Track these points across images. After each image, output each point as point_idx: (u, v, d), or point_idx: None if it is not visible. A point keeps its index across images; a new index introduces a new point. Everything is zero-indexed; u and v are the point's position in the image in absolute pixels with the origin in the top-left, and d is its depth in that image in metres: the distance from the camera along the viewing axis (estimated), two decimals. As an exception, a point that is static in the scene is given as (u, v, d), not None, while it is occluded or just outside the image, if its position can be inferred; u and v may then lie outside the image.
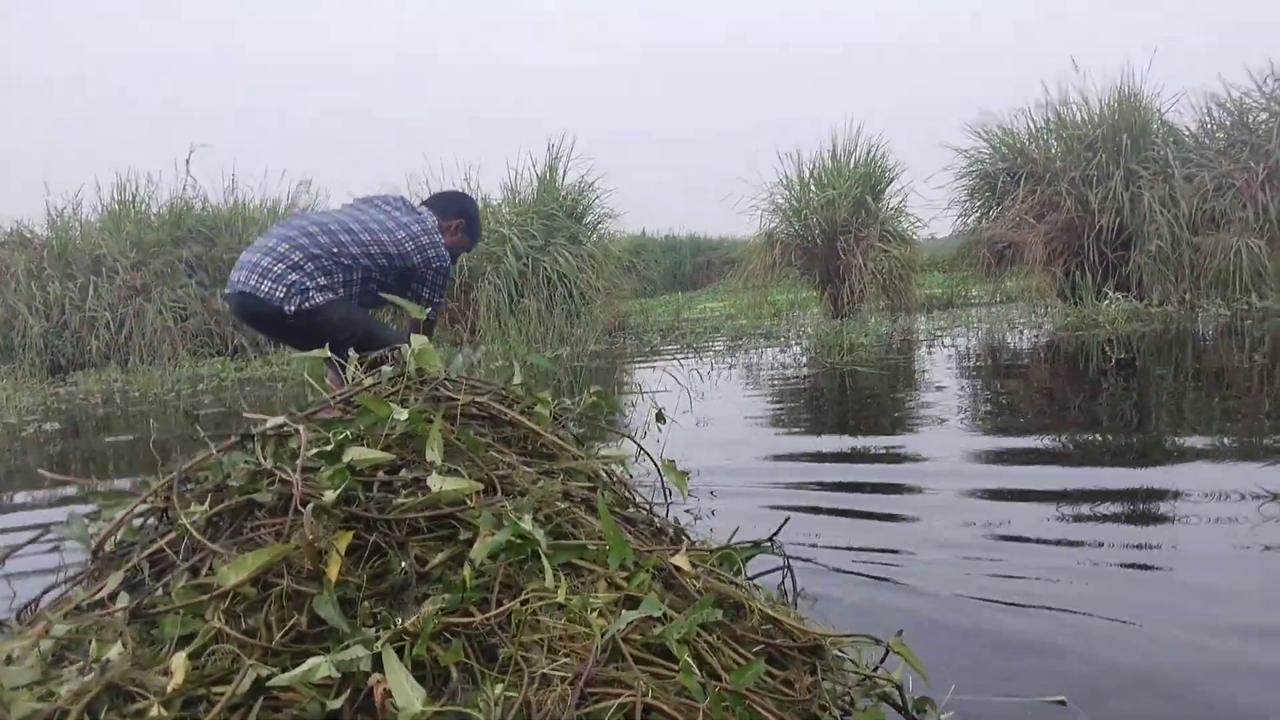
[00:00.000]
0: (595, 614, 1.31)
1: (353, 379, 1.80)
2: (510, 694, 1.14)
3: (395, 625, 1.20)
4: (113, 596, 1.35)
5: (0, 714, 1.07)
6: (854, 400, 5.53)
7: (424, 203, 3.69)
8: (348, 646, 1.16)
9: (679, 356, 8.82)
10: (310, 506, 1.30)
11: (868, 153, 13.05)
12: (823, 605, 1.87)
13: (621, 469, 1.87)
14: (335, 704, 1.13)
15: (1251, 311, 8.47)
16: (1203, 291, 9.35)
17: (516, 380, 1.94)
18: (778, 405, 5.55)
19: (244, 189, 15.01)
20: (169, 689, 1.11)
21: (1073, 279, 10.51)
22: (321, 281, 3.14)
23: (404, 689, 1.08)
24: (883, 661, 1.60)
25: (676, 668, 1.25)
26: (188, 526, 1.34)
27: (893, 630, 1.53)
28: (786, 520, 1.73)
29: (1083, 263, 10.48)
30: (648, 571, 1.42)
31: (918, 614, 2.03)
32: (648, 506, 1.83)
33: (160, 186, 15.20)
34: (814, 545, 2.55)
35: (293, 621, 1.23)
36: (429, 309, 3.25)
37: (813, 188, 13.08)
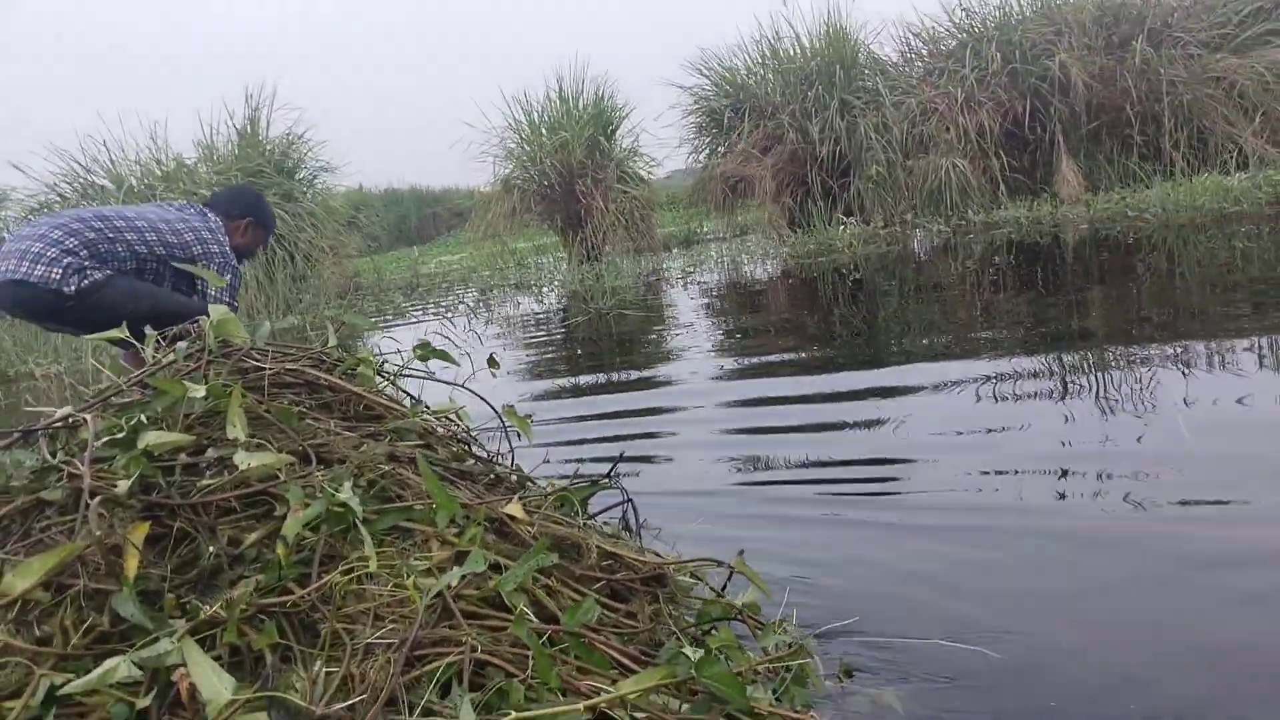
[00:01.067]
0: (425, 574, 1.28)
1: (151, 358, 1.68)
2: (331, 669, 1.10)
3: (200, 614, 1.14)
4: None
5: None
6: (633, 343, 5.66)
7: (205, 204, 3.45)
8: (152, 642, 1.10)
9: (430, 315, 8.62)
10: (98, 500, 1.21)
11: (596, 93, 12.96)
12: (667, 534, 1.90)
13: (457, 420, 1.82)
14: (144, 703, 1.07)
15: (968, 226, 9.10)
16: (919, 211, 10.07)
17: (331, 343, 1.86)
18: (554, 355, 5.61)
19: None
20: (-50, 714, 1.02)
21: (803, 208, 11.07)
22: (97, 264, 2.91)
23: (209, 680, 1.02)
24: (728, 582, 1.64)
25: (510, 617, 1.24)
26: (-39, 537, 1.23)
27: (733, 552, 1.57)
28: (621, 455, 1.73)
29: (809, 192, 11.09)
30: (479, 524, 1.39)
31: (758, 538, 2.09)
32: (491, 457, 1.79)
33: None
34: (661, 479, 2.59)
35: (89, 622, 1.15)
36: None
37: (544, 131, 12.83)
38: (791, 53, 11.77)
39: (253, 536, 1.30)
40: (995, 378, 3.25)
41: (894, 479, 2.45)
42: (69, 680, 1.06)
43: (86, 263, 2.88)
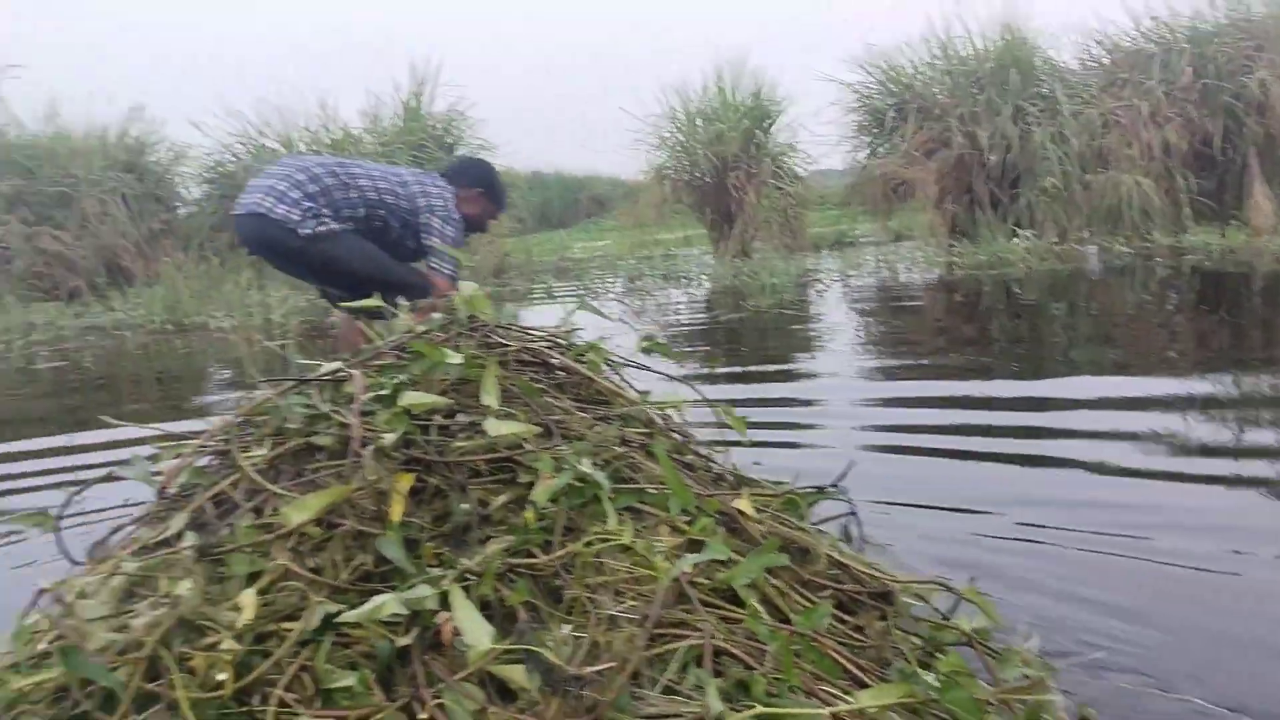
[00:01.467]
0: (659, 557, 1.29)
1: (397, 317, 1.80)
2: (578, 634, 1.13)
3: (459, 566, 1.19)
4: (179, 536, 1.35)
5: (78, 643, 1.08)
6: (808, 345, 5.49)
7: (440, 174, 3.62)
8: (414, 585, 1.16)
9: (583, 296, 8.49)
10: (370, 448, 1.29)
11: (754, 85, 12.42)
12: (890, 552, 1.85)
13: (676, 413, 1.84)
14: (405, 641, 1.12)
15: (1152, 249, 8.25)
16: (1095, 229, 9.19)
17: (567, 328, 1.92)
18: (725, 351, 5.49)
19: (67, 116, 13.31)
20: (239, 624, 1.11)
21: (970, 216, 10.29)
22: (332, 212, 3.13)
23: (473, 626, 1.07)
24: (955, 607, 1.58)
25: (743, 612, 1.24)
26: (247, 470, 1.33)
27: (963, 579, 1.51)
28: (851, 465, 1.70)
29: (974, 200, 10.32)
30: (710, 516, 1.40)
31: (985, 563, 2.00)
32: (705, 453, 1.80)
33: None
34: (881, 489, 2.52)
35: (357, 561, 1.22)
36: (448, 287, 3.19)
37: (699, 122, 12.38)
38: (964, 53, 11.13)
39: (500, 499, 1.36)
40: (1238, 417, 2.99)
41: (1128, 506, 2.30)
42: (341, 610, 1.13)
43: (324, 210, 3.10)
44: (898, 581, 1.44)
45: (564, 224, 22.96)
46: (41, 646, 1.20)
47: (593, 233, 20.30)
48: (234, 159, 11.77)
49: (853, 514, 1.70)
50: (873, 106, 11.67)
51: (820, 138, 19.36)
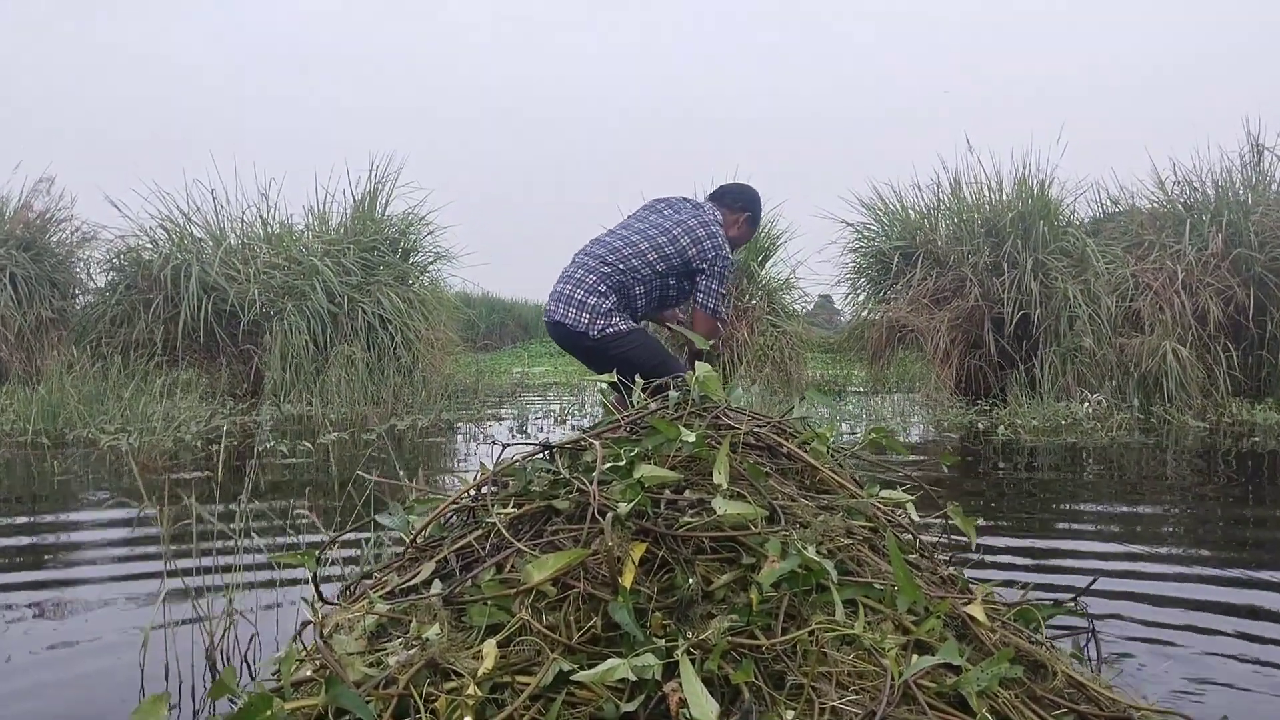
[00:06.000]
0: (885, 654, 1.26)
1: (638, 403, 1.87)
2: (801, 721, 1.12)
3: (685, 638, 1.22)
4: (426, 583, 1.47)
5: (340, 674, 1.19)
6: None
7: (710, 196, 3.74)
8: (641, 653, 1.19)
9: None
10: (609, 516, 1.36)
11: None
12: (1128, 675, 1.70)
13: (903, 513, 1.80)
14: (629, 707, 1.16)
15: (1236, 424, 6.90)
16: (1130, 396, 7.94)
17: (795, 414, 1.94)
18: None
19: None
20: (480, 672, 1.18)
21: (980, 372, 9.30)
22: (614, 300, 3.36)
23: (700, 699, 1.08)
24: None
25: (972, 720, 1.18)
26: (498, 524, 1.43)
27: (1212, 713, 1.37)
28: (1094, 580, 1.59)
29: (983, 355, 9.29)
30: (938, 618, 1.35)
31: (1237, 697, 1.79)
32: (930, 554, 1.75)
33: None
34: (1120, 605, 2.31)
35: (589, 624, 1.28)
36: (713, 330, 3.38)
37: None
38: (985, 202, 10.27)
39: (724, 577, 1.38)
40: None
41: None
42: (575, 669, 1.18)
43: (607, 304, 3.35)
44: (1138, 709, 1.33)
45: (488, 348, 21.15)
46: (305, 673, 1.32)
47: (526, 358, 19.20)
48: (150, 246, 9.93)
49: (1092, 631, 1.59)
50: (875, 249, 10.84)
51: (818, 275, 17.95)
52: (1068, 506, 3.84)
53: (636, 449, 1.59)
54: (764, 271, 11.30)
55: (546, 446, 1.63)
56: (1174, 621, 2.22)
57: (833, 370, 12.47)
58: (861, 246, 11.10)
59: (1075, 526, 3.53)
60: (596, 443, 1.58)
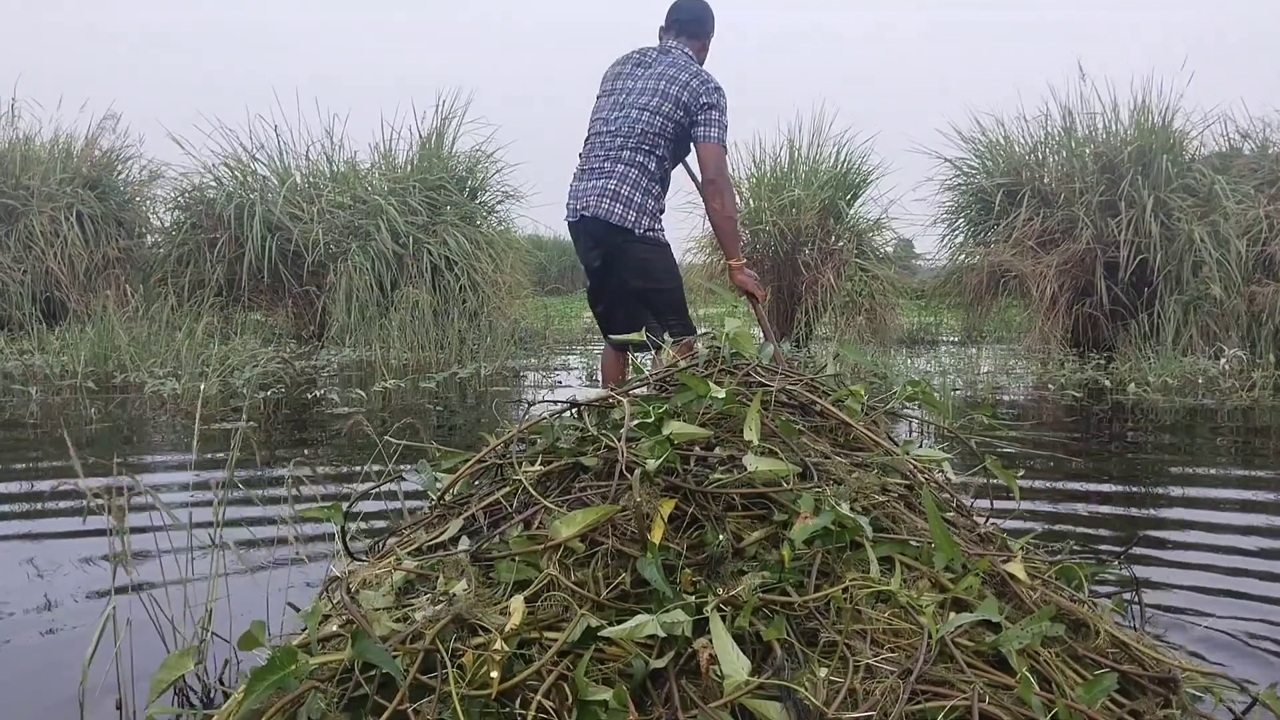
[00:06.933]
0: (922, 612, 1.23)
1: (668, 359, 1.84)
2: (835, 679, 1.09)
3: (715, 595, 1.19)
4: (453, 540, 1.45)
5: (367, 629, 1.18)
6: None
7: (666, 30, 3.44)
8: (671, 610, 1.17)
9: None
10: (637, 472, 1.33)
11: (836, 150, 10.31)
12: (1172, 636, 1.65)
13: (939, 469, 1.76)
14: (658, 663, 1.14)
15: None
16: (1263, 351, 7.25)
17: (829, 371, 1.90)
18: None
19: (29, 120, 11.67)
20: (507, 628, 1.16)
21: (1091, 322, 8.50)
22: (659, 195, 3.28)
23: (730, 656, 1.06)
24: (1246, 713, 1.39)
25: (1012, 678, 1.15)
26: (524, 481, 1.41)
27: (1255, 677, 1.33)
28: (1135, 538, 1.55)
29: (1095, 303, 8.48)
30: (977, 575, 1.32)
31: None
32: (968, 511, 1.71)
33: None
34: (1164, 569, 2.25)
35: (618, 580, 1.25)
36: (723, 162, 3.28)
37: (769, 187, 10.29)
38: (1101, 135, 9.29)
39: (755, 535, 1.35)
40: None
41: None
42: (603, 625, 1.16)
43: (659, 208, 3.28)
44: (1185, 669, 1.29)
45: (560, 291, 20.37)
46: (331, 629, 1.31)
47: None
48: (215, 184, 9.77)
49: (1136, 588, 1.54)
50: (976, 186, 9.90)
51: (912, 215, 16.65)
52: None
53: (665, 406, 1.56)
54: (852, 211, 10.33)
55: (573, 404, 1.60)
56: (1236, 586, 2.15)
57: (924, 318, 11.54)
58: (960, 184, 10.17)
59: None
60: (624, 399, 1.55)
